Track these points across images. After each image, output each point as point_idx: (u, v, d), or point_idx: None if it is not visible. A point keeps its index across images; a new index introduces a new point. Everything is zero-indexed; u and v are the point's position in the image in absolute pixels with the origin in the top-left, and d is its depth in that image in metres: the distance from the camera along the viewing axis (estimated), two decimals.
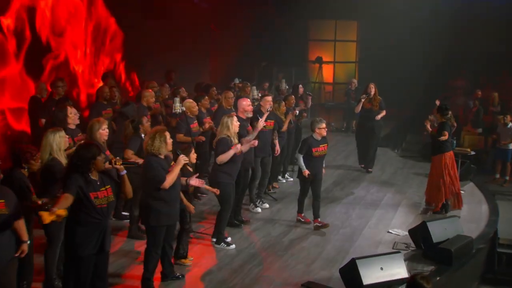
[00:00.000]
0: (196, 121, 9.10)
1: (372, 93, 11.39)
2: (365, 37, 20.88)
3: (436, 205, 9.38)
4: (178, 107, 8.54)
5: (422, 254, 7.65)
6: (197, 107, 9.09)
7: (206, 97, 9.82)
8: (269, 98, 9.24)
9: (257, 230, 8.44)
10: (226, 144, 7.46)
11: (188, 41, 15.30)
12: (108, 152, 6.77)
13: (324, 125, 8.42)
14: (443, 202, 9.32)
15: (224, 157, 7.43)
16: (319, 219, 8.53)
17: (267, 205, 9.39)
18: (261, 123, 8.22)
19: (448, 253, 7.31)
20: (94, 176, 5.23)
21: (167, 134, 6.16)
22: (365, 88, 11.68)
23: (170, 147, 6.18)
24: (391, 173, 12.04)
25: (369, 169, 11.83)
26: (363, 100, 11.39)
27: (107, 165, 5.43)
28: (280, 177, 10.84)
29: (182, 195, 6.72)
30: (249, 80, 17.83)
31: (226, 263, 7.21)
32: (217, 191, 7.31)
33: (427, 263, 7.43)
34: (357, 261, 6.47)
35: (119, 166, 5.42)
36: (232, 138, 7.50)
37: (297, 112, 10.37)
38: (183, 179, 6.48)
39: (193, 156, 7.00)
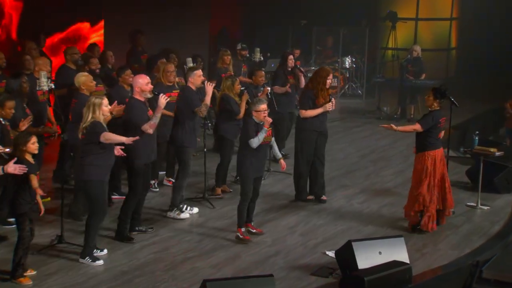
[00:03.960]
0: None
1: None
2: None
3: (408, 216, 9.80)
4: (44, 82, 9.38)
5: (339, 283, 8.09)
6: (93, 84, 9.71)
7: (129, 71, 10.60)
8: (199, 72, 10.11)
9: (156, 244, 9.19)
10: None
11: None
12: None
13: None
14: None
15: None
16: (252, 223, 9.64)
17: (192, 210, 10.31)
18: (163, 99, 9.00)
19: (360, 282, 7.63)
20: None
21: None
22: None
23: None
24: (406, 180, 11.79)
25: (322, 198, 10.89)
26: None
27: None
28: None
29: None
30: (284, 44, 18.54)
31: (78, 283, 8.02)
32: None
33: None
34: (207, 283, 7.10)
35: None
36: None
37: (243, 88, 10.97)
38: None
39: (33, 146, 7.84)
